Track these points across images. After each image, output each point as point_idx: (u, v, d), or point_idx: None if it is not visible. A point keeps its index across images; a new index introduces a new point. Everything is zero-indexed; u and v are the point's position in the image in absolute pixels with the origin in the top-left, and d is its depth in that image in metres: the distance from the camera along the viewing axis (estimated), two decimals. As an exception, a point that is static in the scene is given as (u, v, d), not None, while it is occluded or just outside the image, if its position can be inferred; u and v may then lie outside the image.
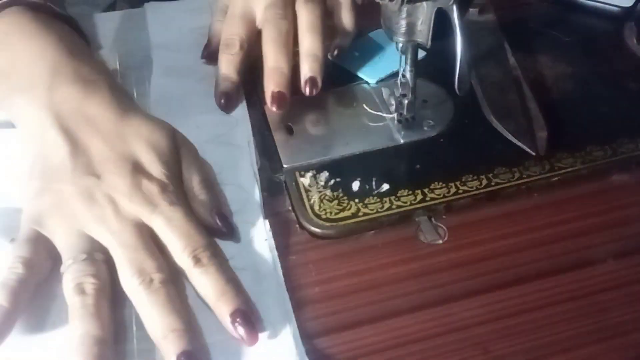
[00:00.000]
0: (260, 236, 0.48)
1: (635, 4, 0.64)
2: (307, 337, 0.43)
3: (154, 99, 0.58)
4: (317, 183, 0.51)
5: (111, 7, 0.77)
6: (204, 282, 0.43)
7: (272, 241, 0.48)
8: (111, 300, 0.43)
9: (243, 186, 0.51)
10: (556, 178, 0.51)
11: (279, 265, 0.46)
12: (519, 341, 0.42)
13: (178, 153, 0.49)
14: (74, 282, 0.42)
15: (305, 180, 0.52)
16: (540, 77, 0.60)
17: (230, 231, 0.47)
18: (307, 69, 0.55)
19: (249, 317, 0.42)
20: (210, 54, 0.60)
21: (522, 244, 0.48)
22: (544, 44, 0.63)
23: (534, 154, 0.52)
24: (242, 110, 0.57)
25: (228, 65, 0.57)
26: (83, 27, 0.57)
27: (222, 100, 0.57)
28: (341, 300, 0.45)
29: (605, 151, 0.53)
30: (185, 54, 0.62)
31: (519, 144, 0.53)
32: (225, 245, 0.47)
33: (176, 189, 0.47)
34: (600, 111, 0.57)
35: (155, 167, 0.47)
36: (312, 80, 0.55)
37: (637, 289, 0.45)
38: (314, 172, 0.52)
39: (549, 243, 0.48)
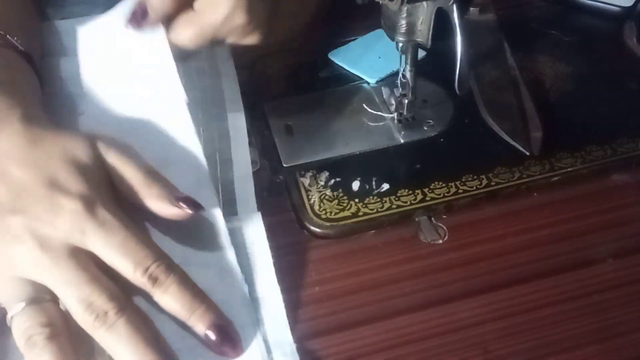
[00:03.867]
0: (220, 229, 0.46)
1: (635, 4, 0.64)
2: (307, 336, 0.43)
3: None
4: (317, 183, 0.51)
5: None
6: (168, 303, 0.40)
7: (261, 239, 0.47)
8: (73, 337, 0.39)
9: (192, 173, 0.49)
10: (556, 178, 0.51)
11: (261, 266, 0.46)
12: (519, 341, 0.42)
13: (102, 161, 0.43)
14: (22, 336, 0.38)
15: (305, 180, 0.52)
16: (541, 77, 0.60)
17: (198, 208, 0.43)
18: None
19: (227, 330, 0.40)
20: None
21: (522, 244, 0.48)
22: (544, 43, 0.63)
23: (528, 154, 0.52)
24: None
25: None
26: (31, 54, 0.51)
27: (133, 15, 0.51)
28: (341, 300, 0.45)
29: (605, 151, 0.53)
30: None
31: (514, 143, 0.53)
32: (186, 244, 0.45)
33: (105, 200, 0.41)
34: (600, 111, 0.57)
35: (73, 182, 0.41)
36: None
37: (637, 289, 0.45)
38: (314, 172, 0.52)
39: (549, 243, 0.48)
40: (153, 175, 0.44)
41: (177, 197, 0.43)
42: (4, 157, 0.42)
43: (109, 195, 0.43)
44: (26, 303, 0.39)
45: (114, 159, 0.44)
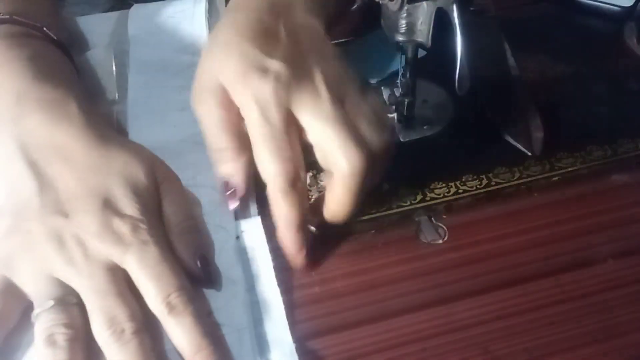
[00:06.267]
0: (231, 240, 0.48)
1: (635, 4, 0.64)
2: (306, 337, 0.43)
3: (131, 97, 0.58)
4: (317, 183, 0.51)
5: (111, 10, 0.77)
6: (178, 334, 0.40)
7: (260, 242, 0.48)
8: (88, 347, 0.40)
9: (218, 188, 0.50)
10: (556, 178, 0.51)
11: (262, 268, 0.46)
12: (519, 341, 0.42)
13: (156, 186, 0.45)
14: (44, 333, 0.39)
15: (305, 180, 0.51)
16: (540, 77, 0.60)
17: (209, 278, 0.44)
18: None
19: None
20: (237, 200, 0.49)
21: (522, 244, 0.48)
22: (544, 43, 0.63)
23: (529, 154, 0.52)
24: None
25: (300, 207, 0.46)
26: (66, 42, 0.53)
27: (307, 255, 0.46)
28: (341, 300, 0.45)
29: (605, 151, 0.53)
30: (160, 48, 0.62)
31: (515, 143, 0.53)
32: None
33: (151, 226, 0.42)
34: (600, 111, 0.57)
35: (127, 203, 0.43)
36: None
37: (637, 289, 0.45)
38: (314, 171, 0.52)
39: (549, 243, 0.48)
40: (191, 222, 0.45)
41: (199, 254, 0.44)
42: (60, 158, 0.43)
43: (156, 219, 0.44)
44: (54, 302, 0.40)
45: (168, 190, 0.46)
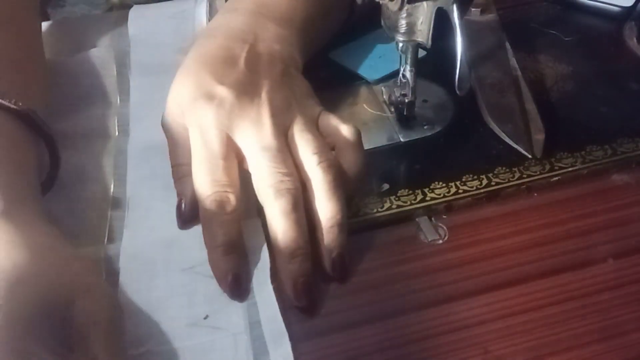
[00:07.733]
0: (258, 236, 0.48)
1: (635, 4, 0.64)
2: (306, 336, 0.43)
3: (134, 100, 0.58)
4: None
5: (110, 11, 0.77)
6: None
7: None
8: None
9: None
10: (556, 178, 0.51)
11: (260, 269, 0.46)
12: (519, 341, 0.42)
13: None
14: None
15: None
16: (541, 77, 0.60)
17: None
18: (332, 242, 0.46)
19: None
20: (188, 220, 0.48)
21: (522, 244, 0.48)
22: (544, 43, 0.63)
23: (530, 157, 0.52)
24: None
25: (226, 230, 0.45)
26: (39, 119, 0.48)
27: (231, 281, 0.44)
28: (341, 300, 0.45)
29: (605, 151, 0.53)
30: (161, 49, 0.62)
31: (516, 146, 0.53)
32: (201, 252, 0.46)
33: None
34: (600, 111, 0.57)
35: None
36: (340, 257, 0.46)
37: (637, 289, 0.45)
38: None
39: (549, 243, 0.48)
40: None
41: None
42: None
43: None
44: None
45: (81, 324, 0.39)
